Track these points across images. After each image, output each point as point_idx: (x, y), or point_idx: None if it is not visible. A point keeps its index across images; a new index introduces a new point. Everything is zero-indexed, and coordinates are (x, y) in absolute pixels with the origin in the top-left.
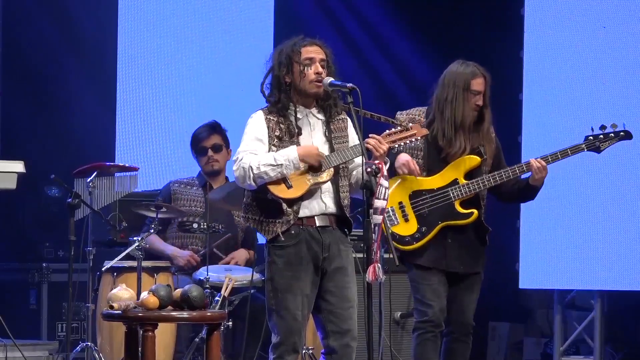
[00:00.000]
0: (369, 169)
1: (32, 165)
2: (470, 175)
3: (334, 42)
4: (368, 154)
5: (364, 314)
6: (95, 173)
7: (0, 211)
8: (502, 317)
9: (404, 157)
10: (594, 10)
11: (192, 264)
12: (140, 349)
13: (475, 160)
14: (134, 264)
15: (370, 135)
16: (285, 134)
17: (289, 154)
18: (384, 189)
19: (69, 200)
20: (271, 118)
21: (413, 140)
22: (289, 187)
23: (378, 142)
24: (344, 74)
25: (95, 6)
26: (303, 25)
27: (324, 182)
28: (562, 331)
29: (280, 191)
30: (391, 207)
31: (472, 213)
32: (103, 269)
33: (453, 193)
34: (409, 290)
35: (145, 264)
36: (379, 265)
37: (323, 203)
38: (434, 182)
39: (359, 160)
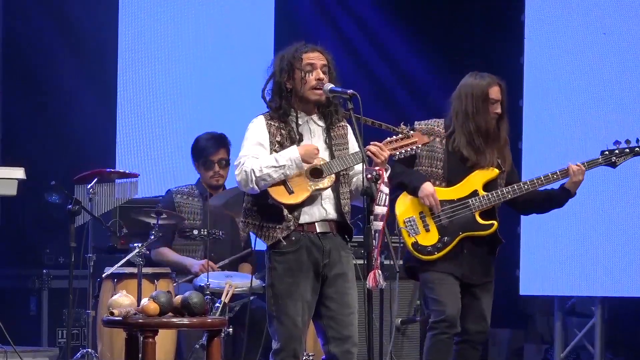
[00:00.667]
0: (369, 176)
1: (32, 172)
2: (486, 187)
3: (335, 49)
4: (369, 161)
5: (364, 320)
6: (95, 179)
7: (1, 217)
8: (503, 323)
9: (429, 188)
10: (594, 16)
11: (206, 270)
12: (140, 355)
13: (494, 172)
14: (134, 270)
15: (371, 142)
16: (286, 139)
17: (291, 154)
18: (384, 196)
19: (70, 206)
20: (272, 123)
21: (414, 148)
22: (290, 192)
23: (379, 150)
24: (345, 79)
25: (96, 12)
26: (303, 30)
27: (325, 189)
28: (562, 337)
29: (281, 196)
30: (412, 216)
31: (492, 224)
32: (103, 276)
33: (473, 204)
34: (409, 297)
35: (145, 270)
36: (380, 271)
37: (324, 209)
38: (454, 192)
39: (359, 167)
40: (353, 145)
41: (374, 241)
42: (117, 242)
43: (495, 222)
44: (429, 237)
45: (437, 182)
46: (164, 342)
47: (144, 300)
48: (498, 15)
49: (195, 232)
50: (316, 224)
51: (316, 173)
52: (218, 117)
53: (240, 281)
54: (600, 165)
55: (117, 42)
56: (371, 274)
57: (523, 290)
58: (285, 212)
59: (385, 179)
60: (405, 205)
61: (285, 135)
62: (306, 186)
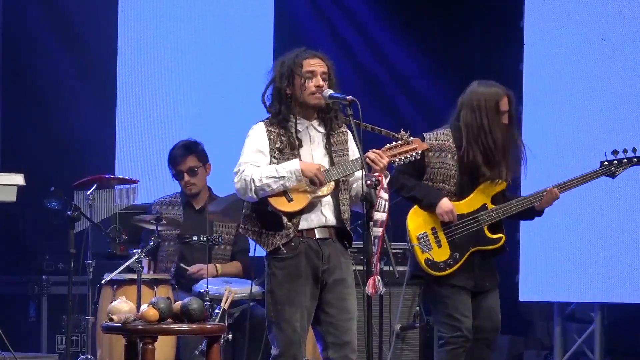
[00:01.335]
0: (368, 182)
1: (32, 178)
2: (493, 199)
3: (335, 54)
4: (368, 167)
5: (363, 326)
6: (95, 185)
7: (0, 223)
8: (502, 329)
9: (448, 205)
10: (594, 22)
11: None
12: None
13: (502, 185)
14: (133, 276)
15: (370, 150)
16: (286, 146)
17: (291, 166)
18: (383, 202)
19: (69, 212)
20: (272, 130)
21: (414, 154)
22: (290, 200)
23: (378, 156)
24: (344, 85)
25: (96, 17)
26: (303, 35)
27: (325, 196)
28: (562, 343)
29: (280, 204)
30: (424, 232)
31: (500, 238)
32: (103, 282)
33: (483, 218)
34: (409, 303)
35: (145, 276)
36: (379, 277)
37: (323, 216)
38: (464, 207)
39: (359, 173)
40: (354, 151)
41: (373, 247)
42: (117, 248)
43: (503, 236)
44: (441, 253)
45: (448, 197)
46: (164, 348)
47: (144, 307)
48: (497, 21)
49: (195, 238)
50: (315, 230)
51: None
52: (218, 122)
53: (240, 287)
54: (600, 176)
55: (117, 48)
56: (370, 280)
57: (522, 296)
58: (285, 219)
59: (385, 185)
60: (417, 221)
61: (285, 141)
62: (305, 193)
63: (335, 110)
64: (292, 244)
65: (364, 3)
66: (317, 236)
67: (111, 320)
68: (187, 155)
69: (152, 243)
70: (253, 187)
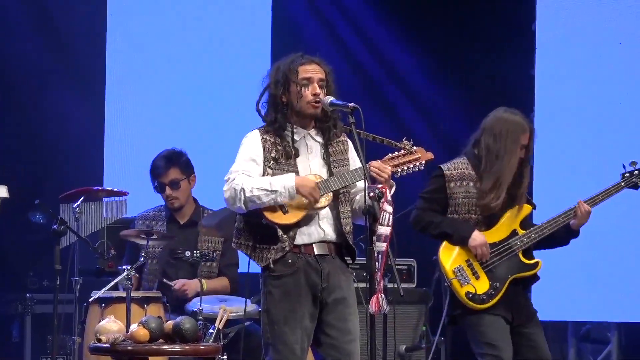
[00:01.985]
0: (371, 194)
1: (15, 190)
2: (522, 225)
3: (334, 59)
4: (371, 178)
5: (366, 347)
6: (82, 198)
7: None
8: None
9: (481, 238)
10: (610, 25)
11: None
12: None
13: (528, 209)
14: (123, 294)
15: (371, 162)
16: (281, 155)
17: (286, 181)
18: (387, 215)
19: (55, 227)
20: (267, 138)
21: (417, 164)
22: (285, 212)
23: (379, 168)
24: (344, 90)
25: (83, 26)
26: (302, 40)
27: (322, 208)
28: None
29: (275, 216)
30: (460, 265)
31: (537, 263)
32: (90, 300)
33: (516, 244)
34: (414, 323)
35: (135, 294)
36: (383, 295)
37: (321, 230)
38: (494, 235)
39: (361, 184)
40: (354, 162)
41: (376, 263)
42: (105, 264)
43: (539, 261)
44: (480, 285)
45: (477, 227)
46: None
47: (133, 326)
48: (508, 24)
49: (188, 253)
50: (314, 245)
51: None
52: (211, 131)
53: (235, 306)
54: (623, 189)
55: (105, 55)
56: (374, 298)
57: None
58: (280, 232)
59: (389, 197)
60: (450, 255)
61: (280, 150)
62: (302, 205)
63: (334, 118)
64: (289, 260)
65: (366, 3)
66: (316, 252)
67: (99, 340)
68: (169, 167)
69: (142, 259)
70: (242, 198)
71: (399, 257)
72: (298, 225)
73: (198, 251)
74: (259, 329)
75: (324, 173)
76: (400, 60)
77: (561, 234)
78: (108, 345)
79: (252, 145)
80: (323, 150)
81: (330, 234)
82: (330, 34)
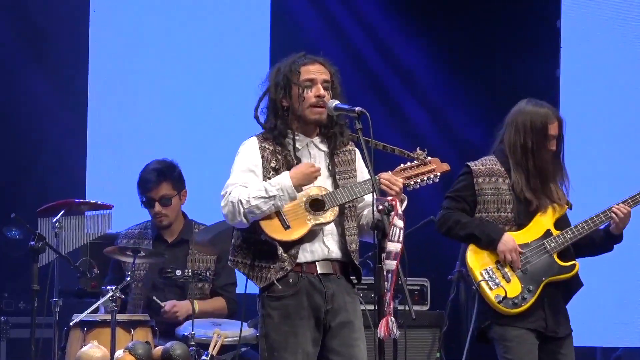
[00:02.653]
0: (380, 207)
1: None
2: (557, 224)
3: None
4: (381, 190)
5: None
6: (62, 211)
7: None
8: None
9: (510, 242)
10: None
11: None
12: None
13: (563, 208)
14: (107, 317)
15: (381, 174)
16: (282, 165)
17: (282, 182)
18: (398, 230)
19: (32, 243)
20: (266, 146)
21: (432, 177)
22: (286, 227)
23: (390, 180)
24: (351, 95)
25: (66, 29)
26: (303, 38)
27: (327, 223)
28: None
29: (275, 232)
30: (489, 267)
31: (574, 265)
32: (71, 324)
33: (549, 245)
34: (427, 348)
35: (120, 317)
36: (393, 318)
37: (326, 247)
38: (526, 235)
39: (369, 197)
40: (362, 173)
41: (386, 283)
42: (88, 284)
43: (576, 263)
44: (512, 288)
45: (507, 227)
46: None
47: (119, 353)
48: (531, 22)
49: (179, 272)
50: (317, 263)
51: (317, 205)
52: (205, 137)
53: (230, 330)
54: None
55: (88, 53)
56: (383, 322)
57: None
58: (280, 250)
59: (400, 211)
60: (478, 256)
61: (281, 160)
62: (305, 220)
63: (340, 125)
64: (290, 280)
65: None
66: (319, 271)
67: None
68: (160, 182)
69: (128, 278)
70: (242, 210)
71: (411, 276)
72: (300, 242)
73: (189, 270)
74: (256, 356)
75: (328, 185)
76: (412, 61)
77: (602, 239)
78: None
79: (250, 154)
80: (328, 160)
81: (335, 252)
82: (334, 31)
